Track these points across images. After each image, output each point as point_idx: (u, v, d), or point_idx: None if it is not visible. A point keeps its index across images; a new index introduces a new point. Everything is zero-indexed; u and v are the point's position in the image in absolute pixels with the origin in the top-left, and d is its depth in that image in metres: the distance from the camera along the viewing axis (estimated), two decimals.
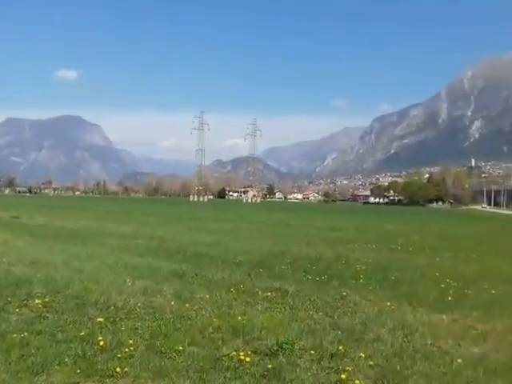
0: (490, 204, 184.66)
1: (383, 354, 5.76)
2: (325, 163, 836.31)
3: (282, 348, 5.72)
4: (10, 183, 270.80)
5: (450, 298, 8.97)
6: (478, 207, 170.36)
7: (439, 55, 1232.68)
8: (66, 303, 7.64)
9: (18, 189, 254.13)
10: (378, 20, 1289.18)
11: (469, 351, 6.01)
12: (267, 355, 5.61)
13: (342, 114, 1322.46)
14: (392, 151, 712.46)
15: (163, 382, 4.86)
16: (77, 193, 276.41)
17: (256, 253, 14.98)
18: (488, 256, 16.38)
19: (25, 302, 7.59)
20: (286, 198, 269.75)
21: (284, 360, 5.44)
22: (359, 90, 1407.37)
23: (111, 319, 6.77)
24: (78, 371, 4.98)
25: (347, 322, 7.15)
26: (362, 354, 5.66)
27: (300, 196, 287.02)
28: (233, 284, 9.60)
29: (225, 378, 4.96)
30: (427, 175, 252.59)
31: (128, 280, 9.58)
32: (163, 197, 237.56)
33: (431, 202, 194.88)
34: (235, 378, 4.96)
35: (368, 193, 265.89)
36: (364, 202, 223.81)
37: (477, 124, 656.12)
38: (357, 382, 4.84)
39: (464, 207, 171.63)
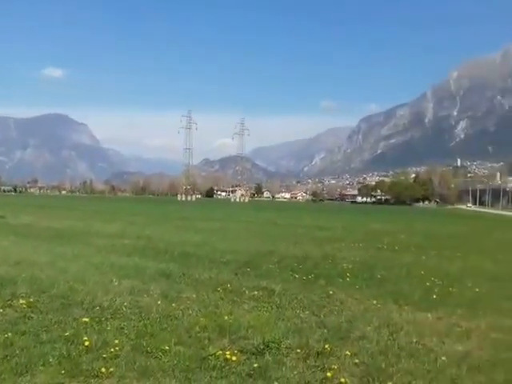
0: (475, 203, 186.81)
1: (369, 351, 5.81)
2: (313, 163, 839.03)
3: (268, 347, 5.74)
4: None
5: (434, 296, 9.06)
6: (464, 206, 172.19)
7: (426, 56, 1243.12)
8: (50, 303, 7.58)
9: (2, 188, 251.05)
10: (366, 22, 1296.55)
11: (453, 349, 6.08)
12: (253, 354, 5.62)
13: (329, 114, 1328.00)
14: (379, 151, 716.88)
15: (149, 381, 4.84)
16: (63, 192, 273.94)
17: (243, 252, 14.99)
18: (472, 255, 16.57)
19: (9, 302, 7.51)
20: (274, 197, 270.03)
21: (270, 359, 5.46)
22: (347, 91, 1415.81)
23: (97, 319, 6.73)
24: (63, 372, 4.95)
25: (333, 320, 7.19)
26: (347, 352, 5.70)
27: (288, 195, 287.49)
28: (220, 283, 9.59)
29: (211, 377, 4.96)
30: (413, 175, 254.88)
31: (114, 280, 9.53)
32: (151, 196, 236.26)
33: (417, 201, 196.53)
34: (221, 377, 4.96)
35: (355, 192, 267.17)
36: (351, 202, 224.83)
37: (462, 124, 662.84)
38: (342, 379, 4.87)
39: (450, 206, 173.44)
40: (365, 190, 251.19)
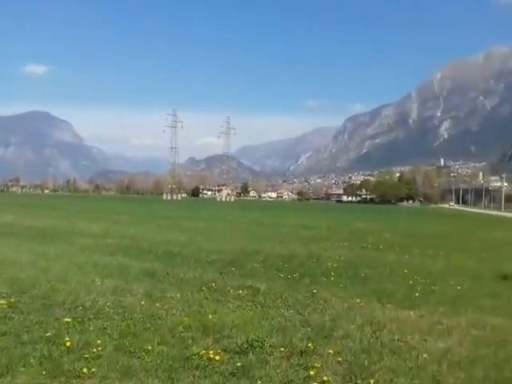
0: (458, 202, 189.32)
1: (352, 350, 5.84)
2: (299, 162, 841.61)
3: (252, 346, 5.74)
4: None
5: (417, 295, 9.15)
6: (446, 205, 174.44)
7: (411, 57, 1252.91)
8: (32, 303, 7.49)
9: None
10: (350, 21, 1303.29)
11: (434, 346, 6.14)
12: (237, 353, 5.62)
13: (315, 114, 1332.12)
14: (364, 150, 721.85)
15: (131, 381, 4.81)
16: (45, 191, 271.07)
17: (229, 251, 14.97)
18: (455, 253, 16.76)
19: None
20: (260, 196, 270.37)
21: (254, 358, 5.46)
22: (332, 90, 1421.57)
23: (79, 319, 6.67)
24: (44, 372, 4.90)
25: (317, 319, 7.21)
26: (330, 350, 5.72)
27: (274, 194, 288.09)
28: (204, 283, 9.57)
29: (194, 376, 4.95)
30: (398, 174, 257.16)
31: (97, 279, 9.45)
32: (135, 195, 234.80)
33: (402, 200, 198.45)
34: (204, 377, 4.95)
35: (341, 191, 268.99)
36: (337, 201, 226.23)
37: (446, 124, 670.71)
38: (325, 378, 4.89)
39: (433, 205, 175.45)
40: (350, 189, 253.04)
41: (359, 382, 4.93)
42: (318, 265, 12.74)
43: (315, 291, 9.11)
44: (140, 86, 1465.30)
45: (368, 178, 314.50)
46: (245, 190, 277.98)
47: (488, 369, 5.37)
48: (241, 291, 8.90)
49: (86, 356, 5.31)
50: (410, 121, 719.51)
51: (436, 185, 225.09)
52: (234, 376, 4.98)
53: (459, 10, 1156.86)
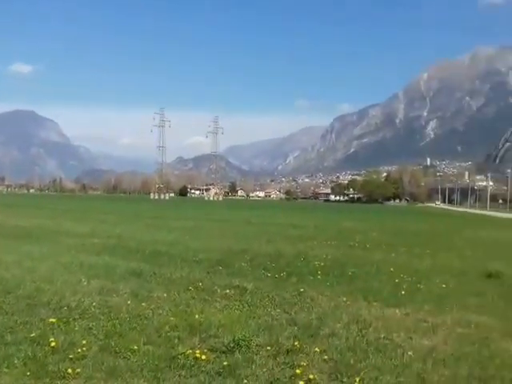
0: (444, 201, 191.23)
1: (338, 348, 5.87)
2: (286, 161, 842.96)
3: (238, 345, 5.74)
4: None
5: (403, 293, 9.21)
6: (433, 204, 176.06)
7: (398, 57, 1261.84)
8: (16, 304, 7.41)
9: None
10: (339, 22, 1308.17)
11: (419, 344, 6.19)
12: (223, 352, 5.62)
13: (303, 113, 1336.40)
14: (352, 150, 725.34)
15: (116, 382, 4.78)
16: (31, 190, 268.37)
17: (216, 251, 14.94)
18: (441, 252, 16.90)
19: None
20: (248, 195, 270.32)
21: (240, 357, 5.46)
22: (321, 90, 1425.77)
23: (64, 319, 6.61)
24: (28, 373, 4.85)
25: (304, 317, 7.23)
26: (317, 348, 5.74)
27: (262, 194, 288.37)
28: (191, 282, 9.54)
29: (180, 376, 4.94)
30: (385, 174, 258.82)
31: (83, 279, 9.37)
32: (122, 195, 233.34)
33: (389, 199, 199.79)
34: (190, 376, 4.94)
35: (329, 191, 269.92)
36: (325, 200, 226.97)
37: (432, 124, 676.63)
38: (311, 376, 4.91)
39: (420, 204, 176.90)
40: (338, 188, 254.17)
41: (345, 380, 4.96)
42: (305, 264, 12.76)
43: (302, 290, 9.13)
44: (127, 85, 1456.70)
45: (355, 177, 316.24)
46: (233, 189, 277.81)
47: (472, 366, 5.43)
48: (228, 290, 8.89)
49: (71, 356, 5.28)
50: (397, 121, 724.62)
51: (422, 184, 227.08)
52: (220, 375, 4.98)
53: (446, 11, 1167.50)
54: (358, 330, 6.68)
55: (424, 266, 13.21)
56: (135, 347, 5.58)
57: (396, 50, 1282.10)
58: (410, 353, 5.75)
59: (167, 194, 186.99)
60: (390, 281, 10.49)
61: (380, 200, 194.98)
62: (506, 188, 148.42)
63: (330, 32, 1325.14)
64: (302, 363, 5.26)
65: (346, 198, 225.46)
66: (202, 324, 6.61)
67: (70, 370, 4.87)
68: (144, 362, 5.23)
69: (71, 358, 5.24)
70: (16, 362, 5.11)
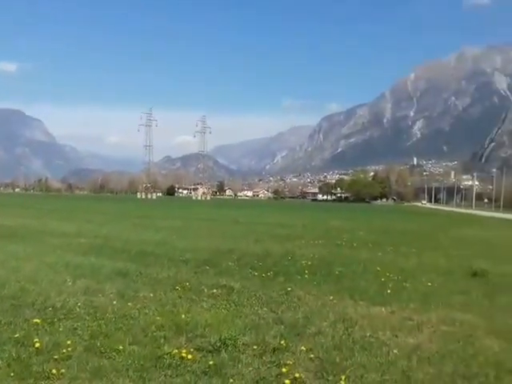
0: (430, 201, 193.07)
1: (324, 346, 5.89)
2: (274, 161, 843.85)
3: (224, 344, 5.73)
4: None
5: (389, 291, 9.27)
6: (419, 204, 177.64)
7: (386, 57, 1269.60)
8: (0, 304, 7.32)
9: None
10: (328, 20, 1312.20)
11: (405, 342, 6.24)
12: (210, 352, 5.61)
13: (291, 113, 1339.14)
14: (339, 149, 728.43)
15: (101, 382, 4.75)
16: (16, 190, 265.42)
17: (204, 250, 14.90)
18: (427, 250, 17.05)
19: None
20: (236, 195, 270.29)
21: (226, 356, 5.45)
22: (308, 90, 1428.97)
23: (49, 320, 6.55)
24: (12, 374, 4.80)
25: (290, 316, 7.25)
26: (303, 347, 5.76)
27: (250, 193, 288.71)
28: (178, 282, 9.50)
29: (165, 375, 4.92)
30: (372, 173, 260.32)
31: (68, 279, 9.29)
32: (109, 194, 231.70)
33: (376, 198, 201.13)
34: (176, 376, 4.92)
35: (316, 190, 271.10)
36: (312, 199, 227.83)
37: (419, 124, 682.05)
38: (297, 375, 4.92)
39: (406, 204, 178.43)
40: (325, 187, 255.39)
41: (330, 378, 4.98)
42: (292, 263, 12.78)
43: (289, 289, 9.14)
44: (115, 84, 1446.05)
45: (343, 176, 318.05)
46: (221, 188, 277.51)
47: (457, 364, 5.48)
48: (215, 290, 8.87)
49: (56, 357, 5.23)
50: (385, 120, 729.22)
51: (409, 183, 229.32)
52: (206, 375, 4.97)
53: (433, 11, 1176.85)
54: (344, 328, 6.71)
55: (410, 264, 13.31)
56: (121, 347, 5.55)
57: (383, 50, 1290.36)
58: (395, 351, 5.79)
59: (154, 194, 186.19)
60: (377, 279, 10.55)
61: (367, 199, 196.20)
62: (491, 187, 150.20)
63: (318, 32, 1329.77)
64: (288, 362, 5.27)
65: (333, 197, 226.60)
66: (189, 323, 6.59)
67: (54, 371, 4.84)
68: (129, 362, 5.20)
69: (56, 359, 5.20)
70: (0, 362, 5.05)
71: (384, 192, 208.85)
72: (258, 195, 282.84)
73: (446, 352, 5.86)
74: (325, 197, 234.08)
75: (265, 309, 7.69)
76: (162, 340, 5.95)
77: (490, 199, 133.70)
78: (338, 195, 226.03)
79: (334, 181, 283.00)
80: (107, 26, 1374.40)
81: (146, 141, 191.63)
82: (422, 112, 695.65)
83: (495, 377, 5.14)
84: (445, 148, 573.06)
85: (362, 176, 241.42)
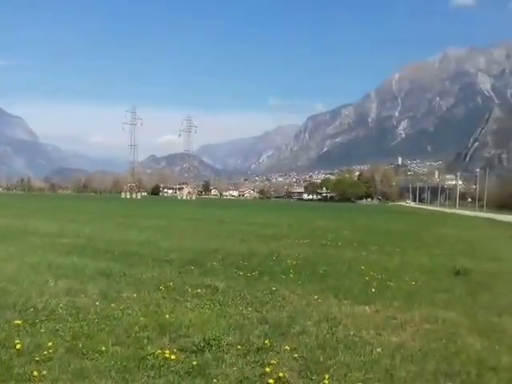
0: (415, 200, 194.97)
1: (308, 346, 5.89)
2: (260, 160, 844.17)
3: (208, 344, 5.71)
4: None
5: (373, 290, 9.32)
6: (404, 203, 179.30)
7: (372, 57, 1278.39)
8: None
9: None
10: (312, 22, 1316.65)
11: (388, 340, 6.28)
12: (193, 352, 5.58)
13: (277, 112, 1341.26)
14: (325, 149, 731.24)
15: (83, 383, 4.70)
16: None
17: (188, 250, 14.83)
18: (411, 249, 17.21)
19: None
20: (221, 194, 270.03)
21: (210, 356, 5.43)
22: (294, 89, 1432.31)
23: (30, 321, 6.45)
24: None
25: (275, 316, 7.24)
26: (287, 346, 5.76)
27: (236, 193, 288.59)
28: (162, 282, 9.43)
29: (148, 376, 4.88)
30: (358, 173, 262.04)
31: (50, 280, 9.17)
32: (93, 194, 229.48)
33: (361, 198, 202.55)
34: (159, 377, 4.89)
35: (302, 190, 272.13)
36: (298, 199, 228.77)
37: (403, 124, 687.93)
38: (281, 374, 4.92)
39: (391, 203, 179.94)
40: (311, 187, 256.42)
41: (314, 377, 4.98)
42: (277, 262, 12.79)
43: (274, 289, 9.14)
44: (99, 83, 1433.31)
45: (328, 176, 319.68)
46: (206, 188, 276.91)
47: (439, 362, 5.53)
48: (199, 290, 8.83)
49: (37, 359, 5.16)
50: (370, 120, 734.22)
51: (394, 183, 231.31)
52: (190, 375, 4.94)
53: (418, 11, 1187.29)
54: (328, 327, 6.73)
55: (394, 263, 13.41)
56: (103, 348, 5.49)
57: (368, 50, 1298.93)
58: (378, 349, 5.82)
59: (139, 193, 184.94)
60: (361, 279, 10.60)
61: (352, 199, 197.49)
62: (474, 187, 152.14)
63: (303, 32, 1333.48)
64: (272, 361, 5.27)
65: (319, 196, 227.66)
66: (173, 324, 6.55)
67: (35, 373, 4.77)
68: (112, 363, 5.15)
69: (37, 361, 5.13)
70: None
71: (369, 192, 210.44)
72: (243, 195, 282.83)
73: (429, 350, 5.91)
74: (310, 196, 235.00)
75: (249, 308, 7.68)
76: (146, 341, 5.90)
77: (473, 199, 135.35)
78: (324, 195, 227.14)
79: (319, 180, 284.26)
80: (91, 24, 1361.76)
81: (130, 140, 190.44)
82: (406, 112, 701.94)
83: (477, 374, 5.20)
84: (429, 148, 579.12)
85: (347, 176, 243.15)
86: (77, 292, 8.34)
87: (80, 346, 5.60)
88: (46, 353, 5.29)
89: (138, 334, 6.12)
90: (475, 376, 5.16)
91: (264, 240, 19.11)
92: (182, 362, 5.23)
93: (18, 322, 6.32)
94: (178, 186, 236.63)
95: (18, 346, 5.40)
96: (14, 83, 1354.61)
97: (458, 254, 16.40)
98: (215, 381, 4.82)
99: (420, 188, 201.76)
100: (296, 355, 5.53)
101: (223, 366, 5.19)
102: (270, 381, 4.76)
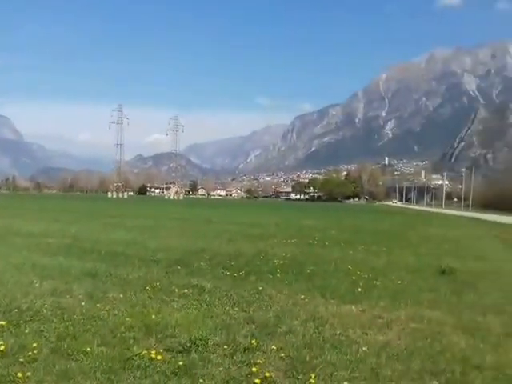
0: (401, 200, 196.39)
1: (294, 345, 5.90)
2: (248, 160, 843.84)
3: (195, 344, 5.69)
4: None
5: (360, 290, 9.35)
6: (390, 203, 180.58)
7: (359, 57, 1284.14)
8: None
9: None
10: (299, 23, 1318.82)
11: (374, 339, 6.31)
12: (180, 352, 5.56)
13: (265, 112, 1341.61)
14: (312, 149, 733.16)
15: None
16: None
17: (175, 250, 14.77)
18: (397, 249, 17.31)
19: None
20: (209, 194, 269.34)
21: (196, 356, 5.41)
22: (282, 89, 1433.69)
23: (14, 322, 6.37)
24: None
25: (262, 315, 7.24)
26: (274, 346, 5.77)
27: (223, 192, 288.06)
28: (149, 282, 9.38)
29: (134, 377, 4.85)
30: (345, 172, 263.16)
31: (35, 280, 9.07)
32: (79, 193, 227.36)
33: (348, 198, 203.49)
34: (145, 377, 4.86)
35: (290, 189, 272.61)
36: (286, 199, 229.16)
37: (390, 124, 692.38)
38: (267, 374, 4.92)
39: (378, 203, 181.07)
40: (298, 187, 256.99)
41: (300, 376, 4.99)
42: (264, 262, 12.79)
43: (261, 288, 9.14)
44: (83, 81, 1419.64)
45: (316, 176, 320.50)
46: (194, 188, 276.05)
47: (424, 360, 5.57)
48: (186, 290, 8.80)
49: (21, 360, 5.11)
50: (357, 120, 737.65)
51: (381, 183, 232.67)
52: (176, 375, 4.92)
53: (405, 12, 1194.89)
54: (314, 326, 6.74)
55: (380, 263, 13.48)
56: (88, 349, 5.45)
57: (356, 50, 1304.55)
58: (364, 348, 5.85)
59: (126, 193, 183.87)
60: (348, 278, 10.64)
61: (340, 198, 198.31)
62: (460, 186, 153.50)
63: (290, 32, 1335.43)
64: (258, 361, 5.27)
65: (306, 196, 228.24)
66: (159, 324, 6.52)
67: (20, 374, 4.72)
68: (97, 363, 5.11)
69: (21, 362, 5.08)
70: None
71: (356, 191, 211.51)
72: (231, 194, 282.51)
73: (414, 349, 5.95)
74: (298, 196, 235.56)
75: (236, 308, 7.67)
76: (132, 341, 5.87)
77: (459, 198, 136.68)
78: (311, 194, 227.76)
79: (307, 180, 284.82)
80: (76, 23, 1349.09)
81: (116, 139, 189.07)
82: (393, 112, 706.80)
83: (461, 373, 5.24)
84: (416, 148, 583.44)
85: (334, 175, 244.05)
86: (62, 292, 8.26)
87: (65, 346, 5.56)
88: (30, 354, 5.24)
89: (123, 335, 6.08)
90: (460, 374, 5.21)
91: (251, 240, 19.10)
92: (168, 363, 5.20)
93: (2, 322, 6.25)
94: (165, 186, 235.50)
95: (2, 348, 5.34)
96: None
97: (444, 253, 16.54)
98: (201, 381, 4.81)
99: (406, 188, 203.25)
100: (282, 355, 5.53)
101: (209, 366, 5.18)
102: (257, 380, 4.76)
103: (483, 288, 10.18)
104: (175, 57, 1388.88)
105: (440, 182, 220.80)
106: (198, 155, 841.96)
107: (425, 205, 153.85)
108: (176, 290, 8.77)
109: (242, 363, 5.28)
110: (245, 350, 5.65)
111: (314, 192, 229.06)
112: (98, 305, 7.46)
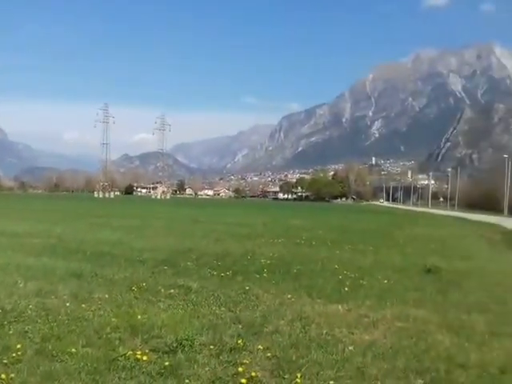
0: (388, 199, 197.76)
1: (280, 345, 5.91)
2: (235, 160, 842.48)
3: (181, 345, 5.67)
4: None
5: (346, 289, 9.41)
6: (377, 202, 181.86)
7: (346, 57, 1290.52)
8: None
9: None
10: (286, 23, 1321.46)
11: (360, 338, 6.35)
12: (166, 353, 5.54)
13: (252, 111, 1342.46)
14: (300, 149, 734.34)
15: None
16: None
17: (162, 250, 14.72)
18: (383, 248, 17.43)
19: None
20: (196, 194, 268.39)
21: (182, 356, 5.40)
22: (269, 88, 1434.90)
23: None
24: None
25: (248, 315, 7.24)
26: (260, 346, 5.77)
27: (211, 192, 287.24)
28: (135, 282, 9.33)
29: (119, 378, 4.82)
30: (332, 172, 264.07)
31: (19, 281, 8.98)
32: (65, 193, 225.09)
33: (336, 197, 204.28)
34: (131, 378, 4.83)
35: (277, 189, 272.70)
36: (273, 198, 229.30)
37: (377, 124, 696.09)
38: (253, 373, 4.92)
39: (365, 203, 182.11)
40: (286, 186, 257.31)
41: (286, 376, 5.00)
42: (251, 262, 12.79)
43: (247, 288, 9.14)
44: (69, 79, 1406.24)
45: (303, 175, 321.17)
46: (181, 187, 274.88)
47: (409, 359, 5.61)
48: (172, 290, 8.77)
49: (5, 361, 5.07)
50: (344, 120, 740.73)
51: (368, 183, 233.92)
52: (162, 376, 4.90)
53: (391, 12, 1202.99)
54: (301, 326, 6.76)
55: (367, 262, 13.56)
56: (73, 350, 5.41)
57: (343, 50, 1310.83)
58: (350, 347, 5.88)
59: (112, 193, 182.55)
60: (334, 277, 10.69)
61: (327, 198, 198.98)
62: (446, 186, 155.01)
63: (277, 31, 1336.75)
64: (244, 361, 5.27)
65: (294, 196, 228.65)
66: (145, 324, 6.49)
67: (3, 376, 4.68)
68: (82, 364, 5.07)
69: (5, 363, 5.04)
70: None
71: (344, 191, 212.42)
72: (218, 194, 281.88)
73: (400, 347, 6.00)
74: (286, 196, 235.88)
75: (223, 308, 7.66)
76: (117, 342, 5.84)
77: (445, 198, 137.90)
78: (299, 194, 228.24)
79: (294, 180, 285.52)
80: (63, 19, 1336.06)
81: (102, 138, 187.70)
82: (380, 112, 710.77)
83: (446, 371, 5.29)
84: (402, 148, 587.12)
85: (322, 175, 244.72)
86: (47, 293, 8.19)
87: (49, 347, 5.51)
88: (14, 355, 5.19)
89: (109, 335, 6.05)
90: (444, 373, 5.26)
91: (239, 239, 19.10)
92: (154, 363, 5.19)
93: None
94: (152, 186, 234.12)
95: None
96: None
97: (430, 252, 16.70)
98: (187, 381, 4.80)
99: (393, 187, 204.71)
100: (269, 354, 5.54)
101: (195, 366, 5.17)
102: (243, 380, 4.76)
103: (468, 287, 10.29)
104: (161, 55, 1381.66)
105: (426, 182, 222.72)
106: (185, 155, 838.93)
107: (411, 204, 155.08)
108: (162, 291, 8.73)
109: (228, 363, 5.28)
110: (231, 350, 5.65)
111: (301, 192, 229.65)
112: (83, 305, 7.41)
